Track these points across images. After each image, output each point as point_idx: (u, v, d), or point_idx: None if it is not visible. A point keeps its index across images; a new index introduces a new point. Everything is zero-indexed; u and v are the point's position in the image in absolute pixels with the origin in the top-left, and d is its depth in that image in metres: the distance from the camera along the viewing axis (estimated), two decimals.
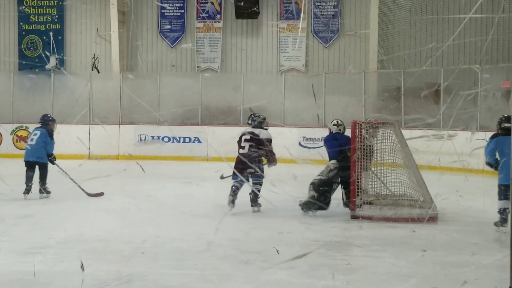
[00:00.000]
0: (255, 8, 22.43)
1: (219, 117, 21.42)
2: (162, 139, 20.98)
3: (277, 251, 7.50)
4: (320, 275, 6.69)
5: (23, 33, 24.26)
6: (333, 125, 11.41)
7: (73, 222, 9.61)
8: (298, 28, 22.81)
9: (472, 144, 11.38)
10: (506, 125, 9.34)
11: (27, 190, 11.91)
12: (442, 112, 16.08)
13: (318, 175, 10.71)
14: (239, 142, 10.88)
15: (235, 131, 20.14)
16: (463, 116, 15.49)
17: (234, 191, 10.58)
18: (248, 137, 10.79)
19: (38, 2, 24.13)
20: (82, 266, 6.35)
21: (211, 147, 17.53)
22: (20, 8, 24.18)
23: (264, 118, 11.24)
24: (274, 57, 23.36)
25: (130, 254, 7.50)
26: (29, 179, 12.00)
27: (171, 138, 20.97)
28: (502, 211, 9.13)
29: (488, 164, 9.49)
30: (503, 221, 9.07)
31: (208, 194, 12.79)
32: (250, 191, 10.64)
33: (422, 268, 7.07)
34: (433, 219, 9.81)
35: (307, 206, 10.53)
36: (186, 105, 21.35)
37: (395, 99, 20.17)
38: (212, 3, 23.47)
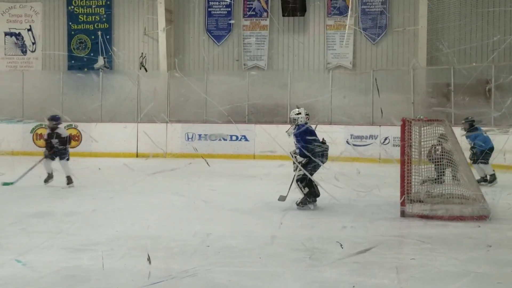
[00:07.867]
0: (302, 5, 22.35)
1: (266, 114, 21.40)
2: (210, 137, 21.03)
3: (341, 245, 7.43)
4: (370, 273, 6.60)
5: (72, 32, 24.61)
6: (306, 114, 11.14)
7: (122, 219, 9.68)
8: (346, 25, 22.61)
9: None
10: None
11: None
12: (493, 109, 15.81)
13: (297, 171, 10.63)
14: None
15: (282, 129, 20.25)
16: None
17: None
18: None
19: (87, 2, 24.44)
20: (149, 259, 6.53)
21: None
22: (69, 8, 24.53)
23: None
24: (321, 54, 23.24)
25: (179, 251, 7.52)
26: None
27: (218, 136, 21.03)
28: None
29: None
30: None
31: (255, 191, 12.81)
32: None
33: (476, 266, 6.90)
34: (484, 217, 9.58)
35: (304, 202, 10.57)
36: (232, 103, 21.37)
37: (444, 96, 19.88)
38: (259, 1, 23.46)
